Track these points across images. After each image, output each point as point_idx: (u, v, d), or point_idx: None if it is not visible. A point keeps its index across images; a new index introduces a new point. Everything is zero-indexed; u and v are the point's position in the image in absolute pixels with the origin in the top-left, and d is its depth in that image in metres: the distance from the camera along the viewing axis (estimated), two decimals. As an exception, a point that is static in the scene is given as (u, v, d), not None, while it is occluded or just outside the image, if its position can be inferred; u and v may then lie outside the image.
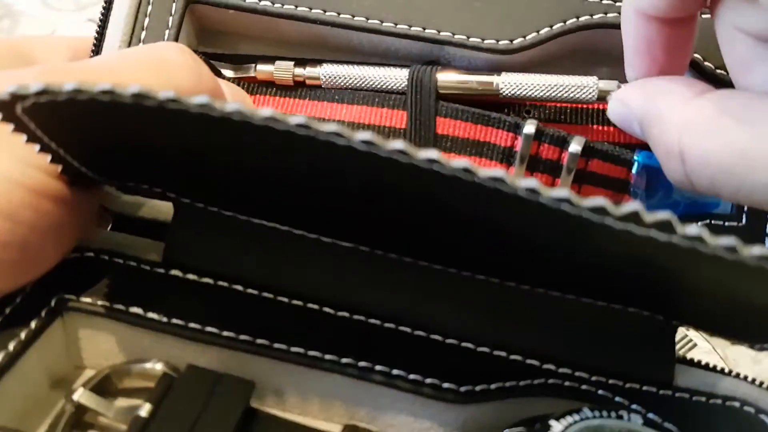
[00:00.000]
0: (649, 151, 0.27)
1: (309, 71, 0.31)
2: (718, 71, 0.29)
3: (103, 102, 0.17)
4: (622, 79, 0.29)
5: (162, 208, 0.29)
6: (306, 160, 0.20)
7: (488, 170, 0.17)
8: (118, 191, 0.28)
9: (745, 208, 0.30)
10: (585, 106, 0.31)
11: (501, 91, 0.30)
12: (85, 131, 0.21)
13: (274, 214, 0.26)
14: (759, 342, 0.25)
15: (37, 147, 0.21)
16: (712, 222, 0.30)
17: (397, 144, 0.16)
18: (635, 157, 0.29)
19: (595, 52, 0.32)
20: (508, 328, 0.26)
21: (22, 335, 0.23)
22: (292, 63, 0.31)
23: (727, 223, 0.30)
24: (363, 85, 0.31)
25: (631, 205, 0.16)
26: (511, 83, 0.30)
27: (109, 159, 0.24)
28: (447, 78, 0.30)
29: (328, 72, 0.31)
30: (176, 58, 0.25)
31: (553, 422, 0.22)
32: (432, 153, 0.16)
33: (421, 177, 0.18)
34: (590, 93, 0.29)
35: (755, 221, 0.30)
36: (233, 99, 0.28)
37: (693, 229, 0.16)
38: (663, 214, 0.16)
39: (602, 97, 0.29)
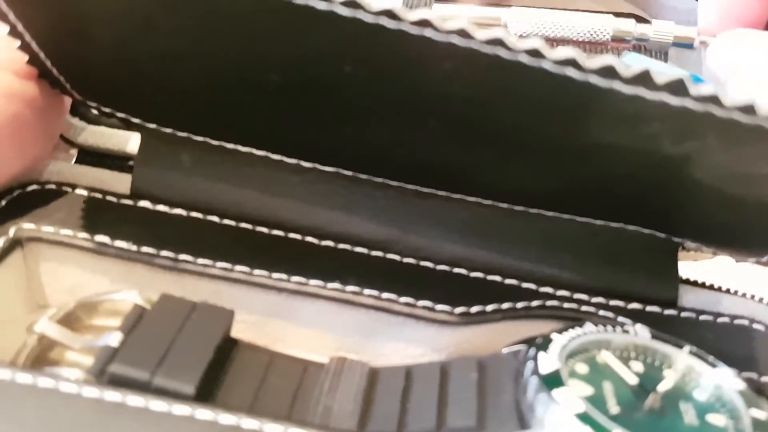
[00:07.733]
0: None
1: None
2: None
3: None
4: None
5: (130, 140, 0.27)
6: (281, 43, 0.18)
7: (486, 31, 0.15)
8: (81, 122, 0.26)
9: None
10: (599, 45, 0.29)
11: (508, 28, 0.28)
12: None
13: (250, 137, 0.24)
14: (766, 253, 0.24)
15: None
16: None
17: (385, 3, 0.15)
18: None
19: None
20: (501, 252, 0.25)
21: None
22: None
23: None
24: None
25: (642, 66, 0.15)
26: (519, 19, 0.28)
27: (71, 53, 0.22)
28: (446, 11, 0.28)
29: None
30: None
31: (555, 335, 0.20)
32: (425, 13, 0.15)
33: (410, 52, 0.16)
34: (605, 34, 0.28)
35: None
36: None
37: (707, 88, 0.15)
38: (675, 73, 0.15)
39: (617, 37, 0.27)
